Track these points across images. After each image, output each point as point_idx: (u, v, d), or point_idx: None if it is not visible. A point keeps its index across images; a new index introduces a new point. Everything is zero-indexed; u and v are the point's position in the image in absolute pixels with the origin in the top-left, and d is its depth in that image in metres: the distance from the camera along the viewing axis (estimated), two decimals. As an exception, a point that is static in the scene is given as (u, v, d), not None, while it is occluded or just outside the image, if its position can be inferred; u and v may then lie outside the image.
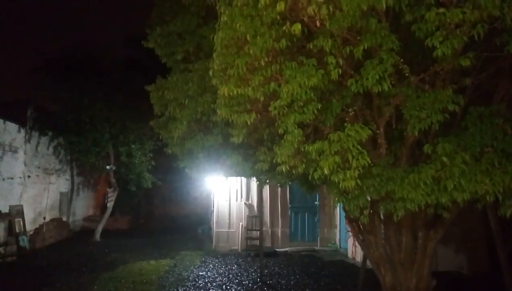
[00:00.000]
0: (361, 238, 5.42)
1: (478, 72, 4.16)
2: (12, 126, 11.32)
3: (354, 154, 3.63)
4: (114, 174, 14.38)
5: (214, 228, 12.18)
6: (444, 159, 3.63)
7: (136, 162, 14.63)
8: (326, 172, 3.67)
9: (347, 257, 10.50)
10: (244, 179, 12.14)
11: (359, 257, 9.61)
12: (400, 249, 4.81)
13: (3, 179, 10.65)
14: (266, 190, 11.85)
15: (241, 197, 12.24)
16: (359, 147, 3.66)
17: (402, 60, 3.78)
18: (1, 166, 10.67)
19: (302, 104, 3.77)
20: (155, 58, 6.66)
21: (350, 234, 10.25)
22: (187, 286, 7.80)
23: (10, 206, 10.63)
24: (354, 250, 10.14)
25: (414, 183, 3.65)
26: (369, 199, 4.29)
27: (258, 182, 8.48)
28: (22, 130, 11.86)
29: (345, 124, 3.95)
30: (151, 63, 9.07)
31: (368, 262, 7.30)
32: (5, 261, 8.44)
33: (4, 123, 10.92)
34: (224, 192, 12.19)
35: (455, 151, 3.67)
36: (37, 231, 11.76)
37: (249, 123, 4.15)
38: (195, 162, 6.54)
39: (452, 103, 3.67)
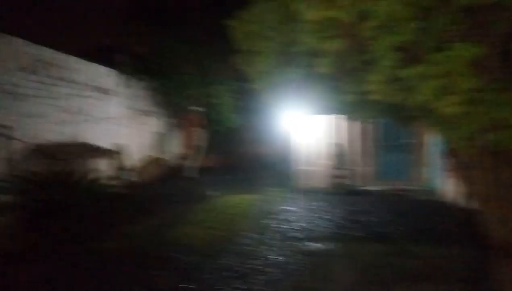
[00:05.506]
0: (464, 173, 4.97)
1: None
2: (108, 71, 12.20)
3: (462, 76, 3.18)
4: (202, 114, 15.04)
5: (299, 167, 12.28)
6: None
7: (222, 102, 15.02)
8: (426, 98, 3.29)
9: (443, 196, 9.93)
10: (328, 117, 11.85)
11: (457, 197, 9.01)
12: (509, 184, 4.31)
13: (106, 120, 11.74)
14: (353, 127, 11.45)
15: (326, 135, 12.03)
16: (468, 67, 3.19)
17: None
18: (102, 108, 11.73)
19: (400, 23, 3.33)
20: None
21: (447, 172, 9.60)
22: (276, 219, 8.10)
23: (113, 144, 11.78)
24: (451, 189, 9.50)
25: (531, 107, 3.12)
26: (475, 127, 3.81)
27: (344, 118, 8.19)
28: (117, 75, 12.74)
29: (451, 44, 3.46)
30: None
31: (468, 201, 6.82)
32: (114, 192, 9.51)
33: (101, 68, 11.80)
34: (308, 131, 12.08)
35: None
36: (138, 167, 13.00)
37: (338, 50, 3.84)
38: (280, 97, 6.42)
39: None
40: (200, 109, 14.89)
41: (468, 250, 5.94)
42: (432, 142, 11.07)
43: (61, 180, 7.54)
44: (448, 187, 9.81)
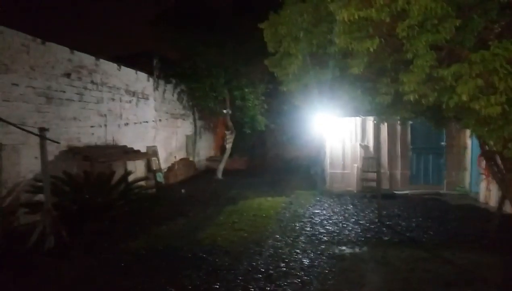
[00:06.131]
0: (500, 177, 4.81)
1: None
2: (142, 76, 12.54)
3: (502, 75, 3.08)
4: (230, 117, 15.19)
5: (328, 169, 12.17)
6: None
7: (250, 105, 15.13)
8: (464, 98, 3.21)
9: (478, 201, 9.58)
10: (358, 119, 11.70)
11: (493, 201, 8.69)
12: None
13: (140, 123, 12.06)
14: (384, 129, 11.26)
15: (356, 138, 11.88)
16: (508, 67, 3.09)
17: None
18: (137, 111, 12.06)
19: (436, 22, 3.27)
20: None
21: (483, 176, 9.27)
22: (304, 222, 8.05)
23: (147, 147, 12.09)
24: (487, 194, 9.17)
25: None
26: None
27: (375, 121, 8.06)
28: (151, 79, 13.07)
29: (489, 43, 3.36)
30: (261, 2, 8.94)
31: (504, 206, 6.55)
32: (146, 193, 9.73)
33: (136, 73, 12.14)
34: (337, 133, 11.97)
35: None
36: (170, 168, 13.27)
37: (371, 50, 3.79)
38: (310, 99, 6.41)
39: None
40: (229, 111, 15.04)
41: (504, 256, 5.71)
42: (467, 145, 10.73)
43: (95, 181, 7.79)
44: (482, 190, 9.47)
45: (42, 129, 6.32)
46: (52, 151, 8.05)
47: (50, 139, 6.45)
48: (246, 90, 14.93)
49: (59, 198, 7.02)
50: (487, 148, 4.81)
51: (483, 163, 8.36)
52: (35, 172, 7.67)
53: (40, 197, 6.81)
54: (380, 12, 3.42)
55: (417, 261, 5.62)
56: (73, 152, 8.81)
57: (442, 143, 11.18)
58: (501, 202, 6.35)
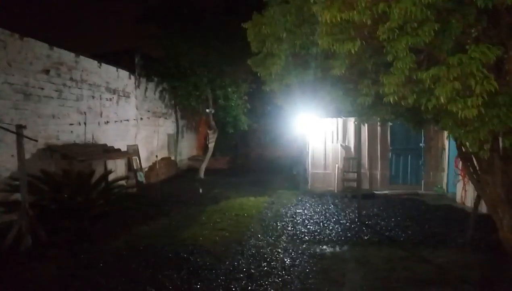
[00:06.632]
0: (475, 178, 4.94)
1: None
2: (123, 74, 12.36)
3: (478, 78, 3.16)
4: (213, 116, 15.13)
5: (310, 170, 12.28)
6: None
7: (233, 104, 15.11)
8: (442, 100, 3.28)
9: (455, 201, 9.82)
10: (340, 120, 11.85)
11: (469, 202, 8.94)
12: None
13: (121, 121, 11.89)
14: (364, 130, 11.42)
15: (337, 138, 12.02)
16: (484, 70, 3.18)
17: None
18: (117, 110, 11.88)
19: (416, 25, 3.34)
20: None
21: (460, 177, 9.51)
22: (285, 221, 8.09)
23: (127, 145, 11.91)
24: (463, 195, 9.42)
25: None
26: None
27: (356, 122, 8.20)
28: (132, 77, 12.90)
29: (467, 47, 3.45)
30: (246, 2, 8.96)
31: (480, 206, 6.74)
32: (127, 192, 9.58)
33: (117, 71, 11.96)
34: (319, 134, 12.09)
35: None
36: (151, 168, 13.11)
37: (353, 51, 3.84)
38: (292, 99, 6.45)
39: None
40: (212, 111, 14.99)
41: (480, 255, 5.88)
42: (445, 147, 11.00)
43: (75, 180, 7.63)
44: (459, 191, 9.73)
45: (20, 127, 6.17)
46: (30, 148, 7.86)
47: (27, 137, 6.30)
48: (229, 89, 14.90)
49: (36, 197, 6.85)
50: (463, 149, 4.94)
51: (460, 164, 8.59)
52: (12, 170, 7.48)
53: (17, 196, 6.64)
54: (361, 14, 3.47)
55: (396, 260, 5.73)
56: (51, 150, 8.62)
57: (421, 144, 11.43)
58: (476, 203, 6.53)
